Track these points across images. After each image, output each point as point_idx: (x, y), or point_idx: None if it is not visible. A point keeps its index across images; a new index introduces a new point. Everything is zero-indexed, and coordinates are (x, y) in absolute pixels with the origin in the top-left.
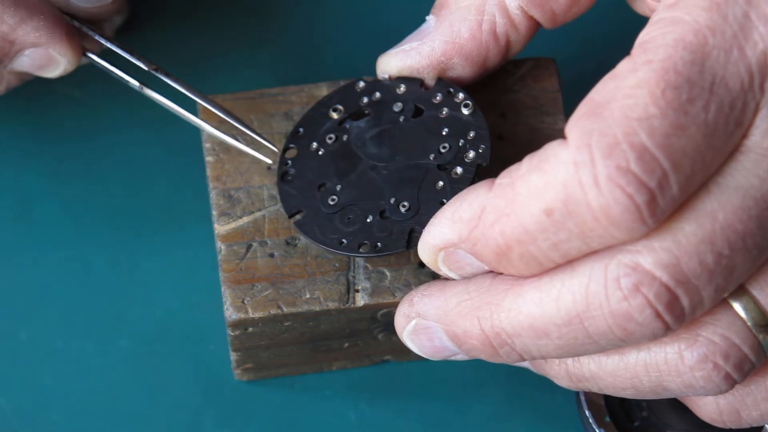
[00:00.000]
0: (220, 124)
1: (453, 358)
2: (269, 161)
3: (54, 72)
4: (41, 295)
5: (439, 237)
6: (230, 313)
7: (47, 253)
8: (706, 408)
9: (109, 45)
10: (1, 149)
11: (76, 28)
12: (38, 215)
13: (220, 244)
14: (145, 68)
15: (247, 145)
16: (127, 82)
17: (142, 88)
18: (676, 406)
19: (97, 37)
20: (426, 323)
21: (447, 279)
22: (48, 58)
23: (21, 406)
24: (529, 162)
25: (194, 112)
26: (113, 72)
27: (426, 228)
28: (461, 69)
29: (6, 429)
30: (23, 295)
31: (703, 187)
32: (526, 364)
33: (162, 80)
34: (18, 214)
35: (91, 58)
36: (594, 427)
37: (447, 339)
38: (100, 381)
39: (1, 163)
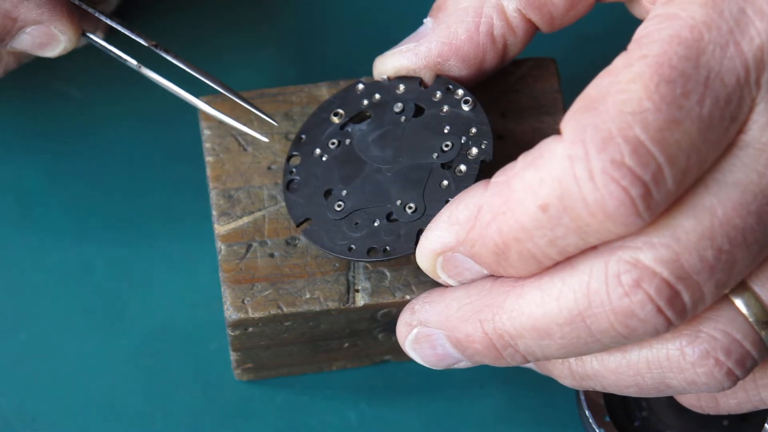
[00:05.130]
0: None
1: (456, 365)
2: (265, 139)
3: (54, 51)
4: (41, 295)
5: (437, 241)
6: (230, 313)
7: (47, 253)
8: (686, 394)
9: (107, 21)
10: (1, 149)
11: (76, 6)
12: (38, 215)
13: (220, 244)
14: (145, 44)
15: (245, 123)
16: (125, 61)
17: (140, 68)
18: (675, 406)
19: (96, 14)
20: (428, 330)
21: (448, 286)
22: (49, 35)
23: (21, 406)
24: (523, 159)
25: (191, 92)
26: (111, 51)
27: (423, 234)
28: (457, 70)
29: (6, 429)
30: (23, 295)
31: (702, 182)
32: (530, 364)
33: (161, 57)
34: (18, 214)
35: (90, 38)
36: (594, 427)
37: (450, 345)
38: (100, 381)
39: (1, 163)
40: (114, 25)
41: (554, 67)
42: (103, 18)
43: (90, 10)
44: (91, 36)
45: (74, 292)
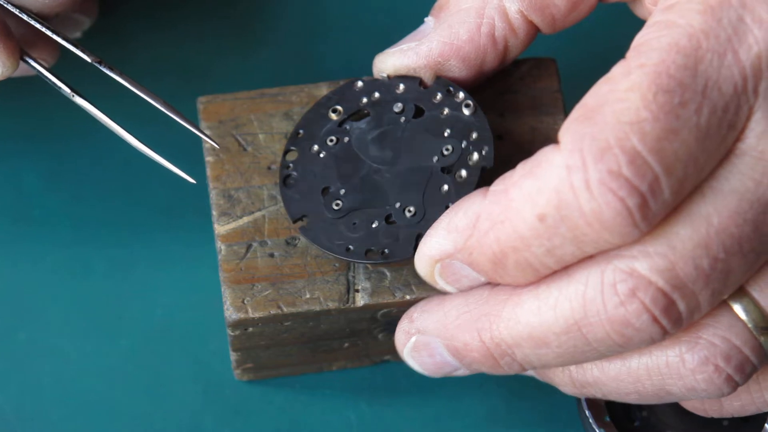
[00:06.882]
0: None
1: (454, 373)
2: (193, 181)
3: None
4: (41, 295)
5: (435, 248)
6: (230, 313)
7: (47, 253)
8: (687, 400)
9: (52, 35)
10: (1, 149)
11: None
12: (38, 215)
13: (220, 244)
14: (88, 60)
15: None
16: (60, 89)
17: (73, 96)
18: (676, 406)
19: (39, 26)
20: (426, 339)
21: (446, 293)
22: None
23: (21, 406)
24: (522, 168)
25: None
26: (48, 78)
27: (422, 239)
28: (458, 71)
29: (6, 429)
30: (23, 295)
31: (698, 190)
32: (530, 372)
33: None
34: (18, 214)
35: (29, 63)
36: (594, 427)
37: (447, 354)
38: (100, 381)
39: (1, 163)
40: (58, 39)
41: (554, 67)
42: (46, 31)
43: (31, 21)
44: (30, 61)
45: (74, 292)
